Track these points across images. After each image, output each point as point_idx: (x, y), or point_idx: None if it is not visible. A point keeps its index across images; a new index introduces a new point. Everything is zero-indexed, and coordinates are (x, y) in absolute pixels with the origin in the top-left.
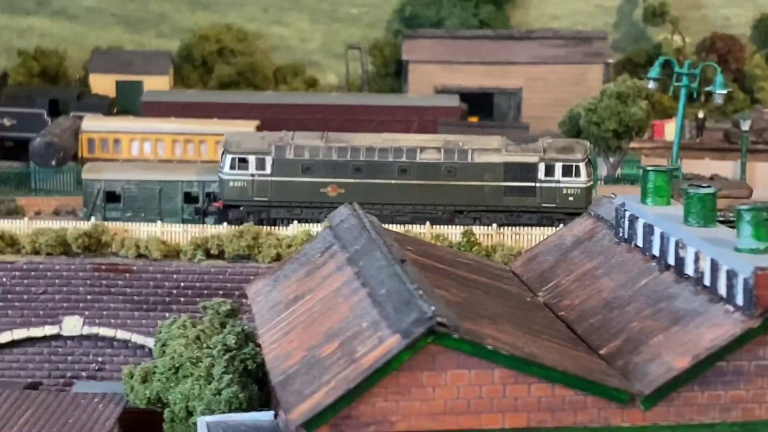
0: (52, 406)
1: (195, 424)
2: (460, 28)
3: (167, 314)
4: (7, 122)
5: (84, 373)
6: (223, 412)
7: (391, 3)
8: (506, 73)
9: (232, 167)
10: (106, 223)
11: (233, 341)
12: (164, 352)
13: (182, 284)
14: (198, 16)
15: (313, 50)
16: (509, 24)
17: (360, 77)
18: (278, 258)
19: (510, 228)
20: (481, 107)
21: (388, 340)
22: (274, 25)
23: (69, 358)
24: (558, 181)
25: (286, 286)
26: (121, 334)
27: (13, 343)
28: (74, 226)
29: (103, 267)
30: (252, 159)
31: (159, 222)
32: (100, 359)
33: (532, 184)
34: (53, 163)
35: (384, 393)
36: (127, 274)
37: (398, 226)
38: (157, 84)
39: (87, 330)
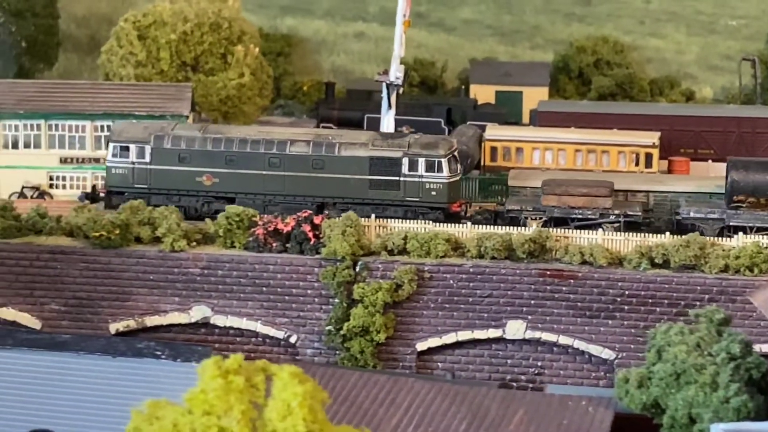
0: (542, 406)
1: (700, 431)
2: None
3: (610, 322)
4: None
5: (523, 377)
6: (731, 421)
7: None
8: None
9: (114, 155)
10: (551, 229)
11: (737, 350)
12: (660, 357)
13: (626, 292)
14: (573, 28)
15: (688, 62)
16: None
17: (740, 90)
18: (726, 269)
19: None
20: None
21: None
22: (649, 36)
23: (509, 361)
24: (421, 176)
25: None
26: (563, 340)
27: (456, 344)
28: (519, 232)
29: (548, 272)
30: (133, 147)
31: (600, 230)
32: (539, 363)
33: (396, 178)
34: (463, 169)
35: None
36: (572, 281)
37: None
38: (536, 95)
39: (529, 334)
